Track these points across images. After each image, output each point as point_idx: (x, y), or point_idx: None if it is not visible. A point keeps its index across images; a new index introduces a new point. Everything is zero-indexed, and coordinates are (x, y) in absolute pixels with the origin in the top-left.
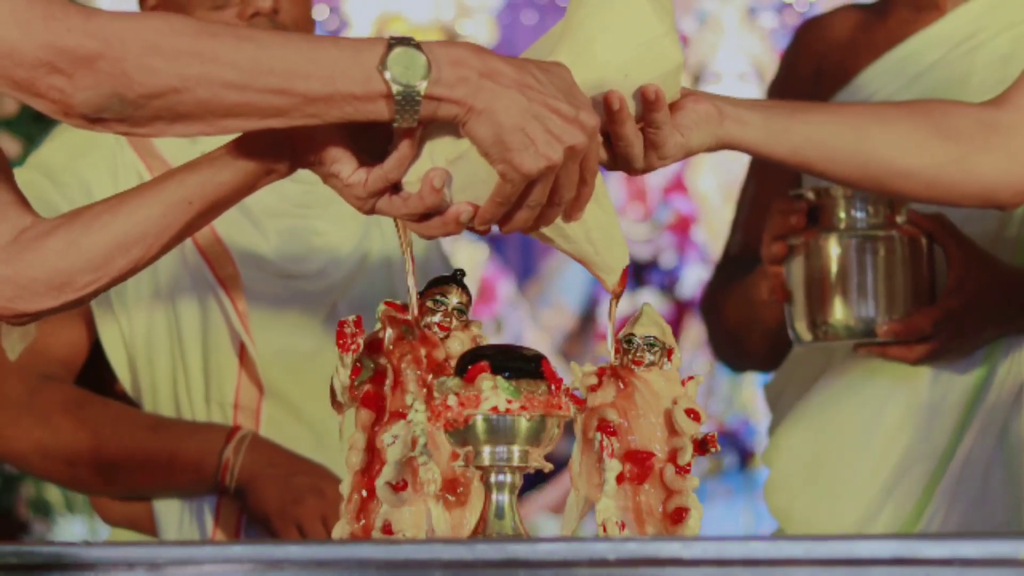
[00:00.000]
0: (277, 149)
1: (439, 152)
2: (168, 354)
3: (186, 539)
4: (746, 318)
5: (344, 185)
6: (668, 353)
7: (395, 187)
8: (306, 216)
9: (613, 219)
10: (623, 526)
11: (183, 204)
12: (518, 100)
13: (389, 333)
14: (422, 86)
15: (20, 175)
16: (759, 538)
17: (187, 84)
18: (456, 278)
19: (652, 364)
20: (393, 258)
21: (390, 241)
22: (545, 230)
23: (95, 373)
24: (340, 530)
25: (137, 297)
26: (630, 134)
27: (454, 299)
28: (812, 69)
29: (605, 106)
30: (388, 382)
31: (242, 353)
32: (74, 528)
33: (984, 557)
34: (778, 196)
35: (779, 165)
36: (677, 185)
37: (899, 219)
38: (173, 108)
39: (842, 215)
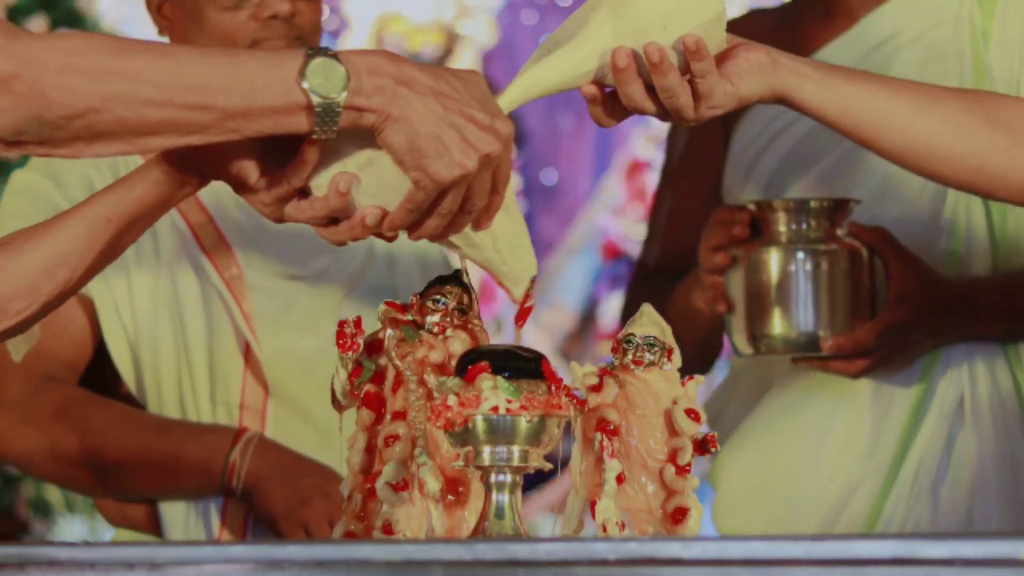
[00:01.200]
0: (187, 164)
1: (349, 157)
2: (173, 355)
3: (186, 539)
4: (679, 328)
5: (251, 193)
6: (668, 353)
7: (304, 193)
8: None
9: (522, 228)
10: (623, 526)
11: (102, 222)
12: (434, 108)
13: (390, 333)
14: (342, 97)
15: (22, 177)
16: (759, 538)
17: (107, 103)
18: (456, 278)
19: (652, 364)
20: (397, 257)
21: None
22: (453, 238)
23: (100, 375)
24: (341, 530)
25: (141, 298)
26: (674, 85)
27: (454, 299)
28: None
29: (646, 58)
30: (388, 382)
31: (247, 353)
32: (74, 528)
33: (984, 557)
34: (697, 207)
35: (825, 125)
36: None
37: (840, 232)
38: (93, 127)
39: (783, 228)
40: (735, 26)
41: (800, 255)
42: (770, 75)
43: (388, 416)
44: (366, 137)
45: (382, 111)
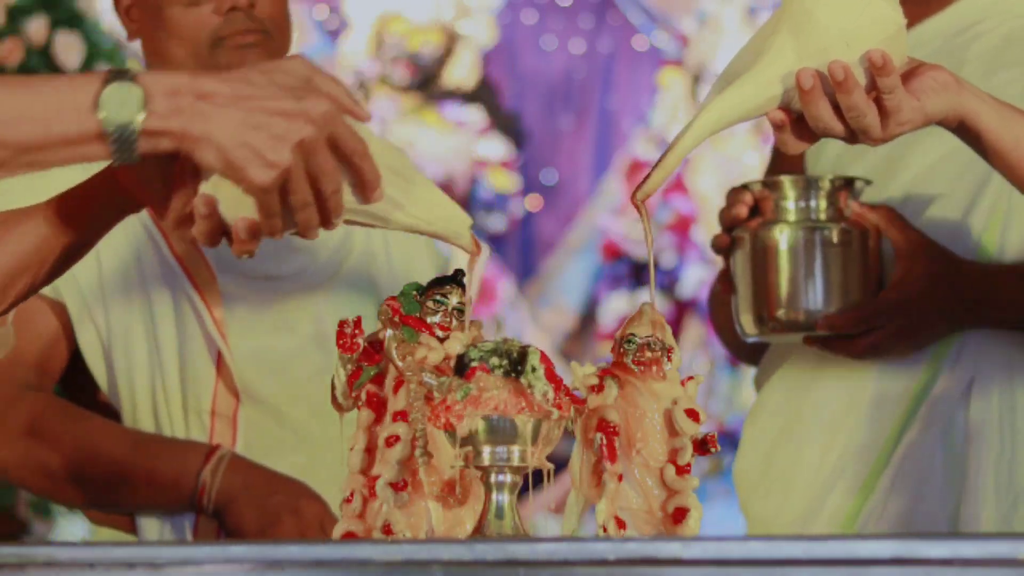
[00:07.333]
0: (120, 205)
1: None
2: (146, 363)
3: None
4: (722, 315)
5: (162, 221)
6: (668, 353)
7: None
8: None
9: (430, 188)
10: (623, 526)
11: (48, 241)
12: (234, 116)
13: (389, 334)
14: (137, 123)
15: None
16: (759, 538)
17: None
18: (456, 278)
19: (652, 364)
20: (376, 254)
21: (374, 239)
22: (369, 218)
23: (78, 380)
24: (341, 530)
25: (115, 305)
26: (860, 103)
27: (454, 299)
28: None
29: (831, 77)
30: (389, 383)
31: (219, 361)
32: (74, 528)
33: (984, 557)
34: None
35: (992, 155)
36: (677, 185)
37: (847, 211)
38: None
39: (789, 206)
40: None
41: (804, 233)
42: (956, 95)
43: (389, 416)
44: None
45: (182, 132)
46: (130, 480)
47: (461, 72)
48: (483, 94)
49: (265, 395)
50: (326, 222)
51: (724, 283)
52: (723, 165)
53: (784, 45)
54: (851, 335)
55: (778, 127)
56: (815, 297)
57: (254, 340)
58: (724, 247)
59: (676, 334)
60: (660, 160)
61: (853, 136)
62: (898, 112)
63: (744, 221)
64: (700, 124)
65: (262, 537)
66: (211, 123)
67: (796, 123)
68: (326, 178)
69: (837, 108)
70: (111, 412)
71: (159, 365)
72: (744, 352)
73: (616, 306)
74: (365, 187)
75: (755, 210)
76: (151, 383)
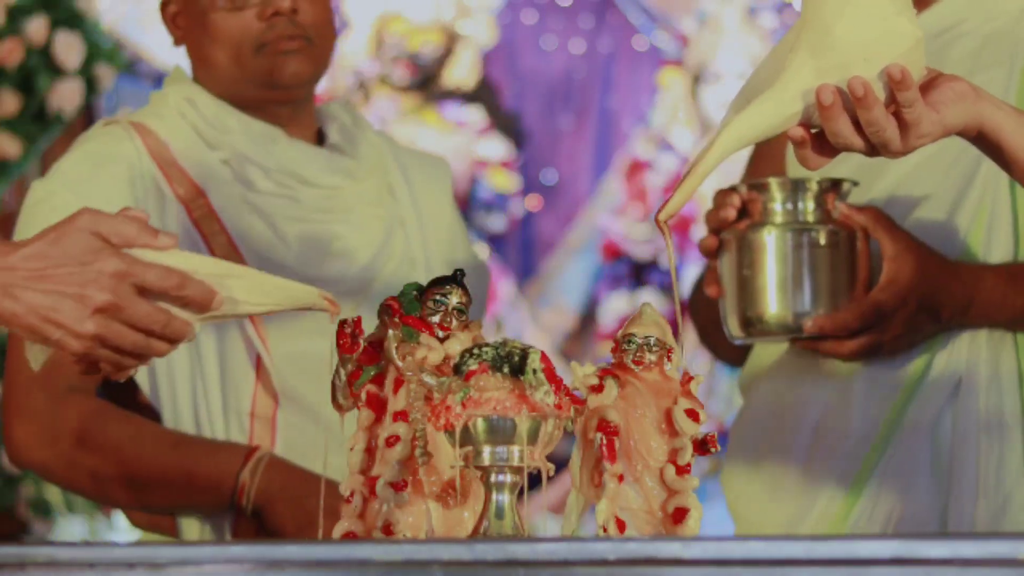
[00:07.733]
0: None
1: None
2: (187, 365)
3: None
4: (704, 316)
5: None
6: (668, 353)
7: None
8: (326, 221)
9: (264, 278)
10: (623, 526)
11: None
12: (32, 298)
13: (390, 334)
14: None
15: (42, 187)
16: (759, 538)
17: None
18: (456, 278)
19: (652, 364)
20: (416, 260)
21: (413, 244)
22: (231, 313)
23: (118, 382)
24: (341, 530)
25: None
26: (880, 118)
27: (454, 299)
28: None
29: (850, 93)
30: (389, 383)
31: (258, 363)
32: (74, 528)
33: (984, 557)
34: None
35: (1012, 165)
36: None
37: (834, 213)
38: None
39: (777, 208)
40: None
41: (790, 235)
42: (973, 104)
43: (389, 416)
44: None
45: None
46: (170, 480)
47: (461, 72)
48: (483, 94)
49: (304, 397)
50: (178, 342)
51: (711, 285)
52: (722, 167)
53: (803, 62)
54: (840, 337)
55: (798, 144)
56: (803, 299)
57: (293, 344)
58: (712, 249)
59: (676, 334)
60: (682, 181)
61: (873, 150)
62: (918, 125)
63: (732, 223)
64: (721, 143)
65: (300, 536)
66: (18, 303)
67: (816, 139)
68: (146, 321)
69: (857, 123)
70: (152, 413)
71: (199, 367)
72: (728, 353)
73: (616, 306)
74: (198, 307)
75: (743, 212)
76: (192, 385)
